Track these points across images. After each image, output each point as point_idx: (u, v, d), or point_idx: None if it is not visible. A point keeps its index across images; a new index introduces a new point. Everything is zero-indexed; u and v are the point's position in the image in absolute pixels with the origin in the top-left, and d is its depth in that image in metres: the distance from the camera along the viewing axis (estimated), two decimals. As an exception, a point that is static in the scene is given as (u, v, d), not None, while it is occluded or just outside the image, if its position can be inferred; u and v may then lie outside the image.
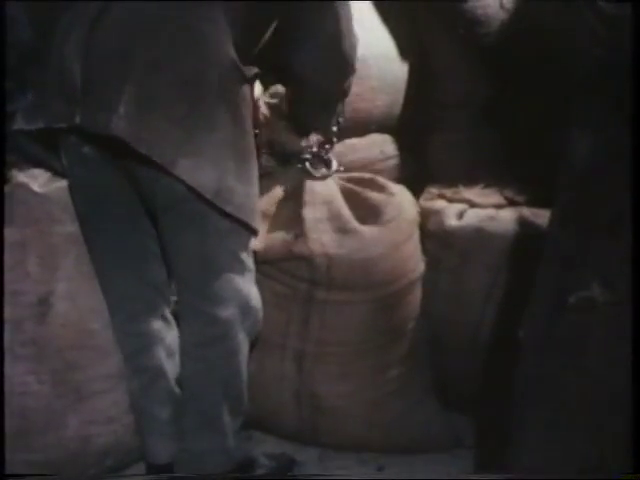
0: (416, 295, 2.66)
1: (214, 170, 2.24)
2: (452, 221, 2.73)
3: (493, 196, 2.77)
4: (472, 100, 2.82)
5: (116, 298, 2.43)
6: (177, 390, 2.45)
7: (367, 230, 2.58)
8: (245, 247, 2.39)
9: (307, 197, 2.59)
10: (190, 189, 2.22)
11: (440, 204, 2.77)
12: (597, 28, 2.18)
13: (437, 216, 2.74)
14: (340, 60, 2.36)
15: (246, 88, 2.29)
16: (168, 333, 2.46)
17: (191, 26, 2.21)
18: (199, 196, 2.23)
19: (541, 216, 2.61)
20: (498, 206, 2.75)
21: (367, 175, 2.69)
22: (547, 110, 2.64)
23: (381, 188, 2.65)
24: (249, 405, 2.48)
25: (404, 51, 2.83)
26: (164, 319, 2.45)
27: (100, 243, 2.40)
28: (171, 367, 2.45)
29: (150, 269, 2.42)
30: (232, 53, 2.22)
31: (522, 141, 2.75)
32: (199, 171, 2.22)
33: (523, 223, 2.68)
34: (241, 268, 2.38)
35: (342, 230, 2.56)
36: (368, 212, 2.61)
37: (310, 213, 2.57)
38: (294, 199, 2.61)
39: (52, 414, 2.41)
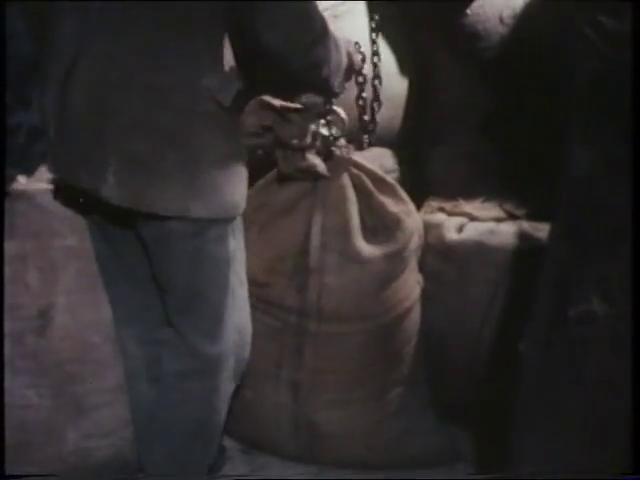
0: (412, 319, 2.68)
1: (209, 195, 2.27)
2: (452, 234, 2.76)
3: (493, 210, 2.80)
4: (472, 114, 2.83)
5: (130, 309, 2.45)
6: None
7: (370, 255, 2.58)
8: (241, 276, 2.41)
9: (319, 199, 2.58)
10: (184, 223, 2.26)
11: (440, 217, 2.80)
12: (597, 44, 2.21)
13: (437, 229, 2.76)
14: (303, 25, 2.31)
15: (226, 114, 2.28)
16: None
17: (157, 82, 2.20)
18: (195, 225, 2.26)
19: (541, 230, 2.63)
20: (498, 220, 2.78)
21: (388, 179, 2.68)
22: (546, 124, 2.65)
23: (399, 200, 2.66)
24: (248, 430, 2.50)
25: (404, 66, 2.87)
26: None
27: (109, 259, 2.44)
28: None
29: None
30: (206, 83, 2.22)
31: (522, 155, 2.77)
32: (193, 202, 2.25)
33: (523, 237, 2.71)
34: (235, 303, 2.38)
35: (345, 253, 2.56)
36: (379, 223, 2.62)
37: (317, 229, 2.57)
38: (305, 201, 2.60)
39: (52, 427, 2.43)
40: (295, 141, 2.52)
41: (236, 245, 2.36)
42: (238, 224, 2.37)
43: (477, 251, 2.72)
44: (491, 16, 2.78)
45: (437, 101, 2.62)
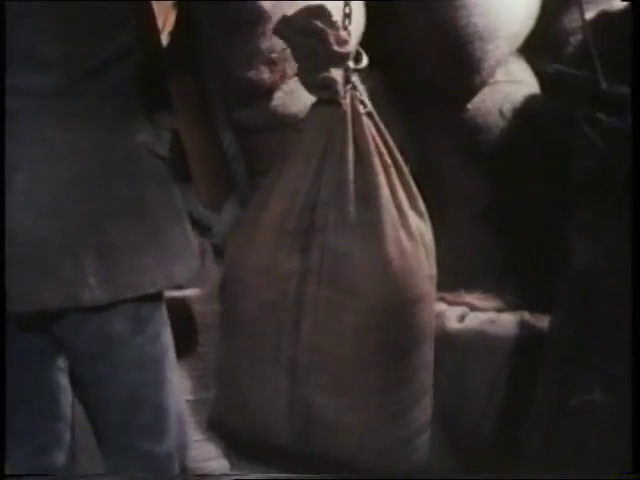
0: (419, 318, 2.52)
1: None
2: (453, 324, 2.82)
3: (494, 300, 2.86)
4: (472, 204, 2.91)
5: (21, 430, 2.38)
6: None
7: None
8: (173, 359, 2.41)
9: (333, 147, 2.39)
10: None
11: (441, 307, 2.85)
12: (596, 140, 2.29)
13: (438, 318, 2.79)
14: None
15: (166, 167, 2.32)
16: None
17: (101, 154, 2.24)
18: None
19: (542, 320, 2.70)
20: (499, 310, 2.84)
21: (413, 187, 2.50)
22: (547, 216, 2.76)
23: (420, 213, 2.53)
24: (246, 421, 2.51)
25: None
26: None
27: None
28: None
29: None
30: (141, 138, 2.28)
31: (522, 246, 2.84)
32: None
33: (524, 327, 2.76)
34: (172, 391, 2.39)
35: (353, 214, 2.39)
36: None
37: (327, 180, 2.39)
38: (318, 149, 2.43)
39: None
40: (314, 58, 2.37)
41: (168, 331, 2.39)
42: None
43: (478, 340, 2.77)
44: (492, 110, 2.86)
45: (437, 191, 2.67)
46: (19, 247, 2.19)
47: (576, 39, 2.85)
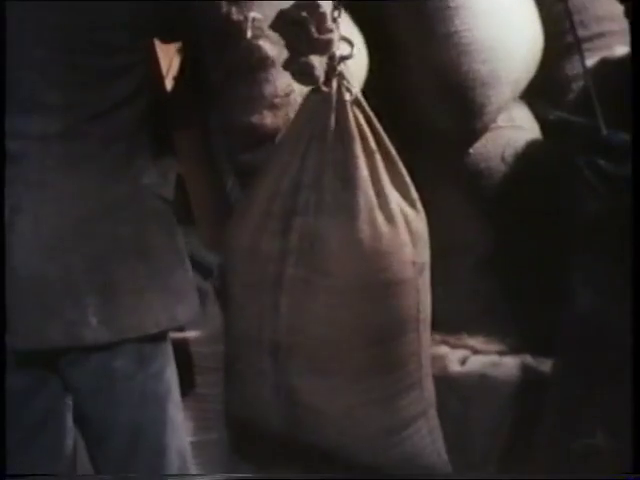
0: (401, 304, 2.50)
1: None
2: (455, 367, 2.83)
3: (496, 343, 2.87)
4: (474, 248, 2.91)
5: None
6: None
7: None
8: (177, 399, 2.43)
9: (320, 131, 2.43)
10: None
11: (443, 350, 2.86)
12: (597, 186, 2.30)
13: (440, 361, 2.82)
14: None
15: (170, 210, 2.37)
16: None
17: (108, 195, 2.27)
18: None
19: (544, 363, 2.71)
20: (501, 353, 2.84)
21: (402, 168, 2.51)
22: (547, 261, 2.76)
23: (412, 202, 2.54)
24: (241, 408, 2.52)
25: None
26: None
27: None
28: None
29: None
30: (146, 181, 2.31)
31: (524, 289, 2.84)
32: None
33: (526, 370, 2.77)
34: (174, 427, 2.40)
35: (335, 197, 2.42)
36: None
37: (311, 164, 2.42)
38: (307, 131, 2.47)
39: None
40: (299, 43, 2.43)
41: (172, 370, 2.41)
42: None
43: (481, 383, 2.78)
44: (493, 155, 2.87)
45: (437, 236, 2.68)
46: (22, 286, 2.22)
47: (577, 85, 2.85)
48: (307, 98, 2.47)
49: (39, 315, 2.23)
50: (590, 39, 2.88)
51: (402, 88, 2.85)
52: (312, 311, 2.44)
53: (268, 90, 2.66)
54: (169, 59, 2.74)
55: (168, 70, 2.73)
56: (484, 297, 2.92)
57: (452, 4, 2.70)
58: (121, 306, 2.25)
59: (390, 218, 2.40)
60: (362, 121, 2.41)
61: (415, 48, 2.80)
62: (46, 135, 2.23)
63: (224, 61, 2.64)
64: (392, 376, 2.51)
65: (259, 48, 2.63)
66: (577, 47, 2.65)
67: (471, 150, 2.88)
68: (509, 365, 2.80)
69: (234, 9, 2.63)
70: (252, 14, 2.63)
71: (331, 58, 2.37)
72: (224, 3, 2.59)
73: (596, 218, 2.42)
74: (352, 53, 2.39)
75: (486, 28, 2.73)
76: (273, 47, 2.61)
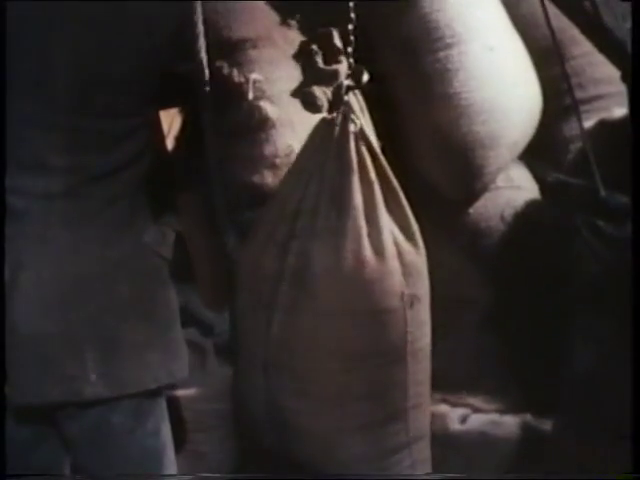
0: (386, 333, 2.51)
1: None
2: (456, 425, 2.83)
3: (496, 401, 2.87)
4: (474, 307, 2.93)
5: None
6: None
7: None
8: (170, 454, 2.42)
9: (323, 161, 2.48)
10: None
11: (444, 408, 2.86)
12: (596, 247, 2.32)
13: (441, 419, 2.82)
14: None
15: (167, 268, 2.38)
16: None
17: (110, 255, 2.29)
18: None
19: (545, 422, 2.70)
20: (501, 411, 2.84)
21: (402, 199, 2.54)
22: (548, 320, 2.76)
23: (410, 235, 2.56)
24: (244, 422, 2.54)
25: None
26: None
27: None
28: None
29: None
30: (147, 239, 2.33)
31: (524, 348, 2.84)
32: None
33: (527, 428, 2.76)
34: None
35: (331, 224, 2.47)
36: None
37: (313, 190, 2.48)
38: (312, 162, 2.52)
39: None
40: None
41: (167, 426, 2.41)
42: None
43: (481, 442, 2.78)
44: (493, 215, 2.90)
45: (438, 295, 2.69)
46: (22, 341, 2.22)
47: (576, 147, 2.89)
48: (316, 128, 2.52)
49: (38, 370, 2.24)
50: (588, 101, 2.93)
51: (401, 148, 2.86)
52: (298, 331, 2.48)
53: (269, 150, 2.70)
54: (170, 119, 2.77)
55: (169, 130, 2.77)
56: (484, 355, 2.93)
57: (451, 66, 2.74)
58: (120, 362, 2.27)
59: (379, 248, 2.44)
60: (364, 152, 2.45)
61: (414, 108, 2.84)
62: (48, 194, 2.25)
63: (226, 121, 2.68)
64: (372, 404, 2.52)
65: (260, 109, 2.68)
66: (575, 109, 2.68)
67: (471, 210, 2.91)
68: (509, 424, 2.80)
69: (235, 71, 2.68)
70: (253, 76, 2.67)
71: (338, 88, 2.42)
72: (226, 65, 2.64)
73: (596, 278, 2.43)
74: (361, 83, 2.44)
75: (485, 90, 2.78)
76: (274, 108, 2.66)
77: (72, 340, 2.25)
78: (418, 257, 2.51)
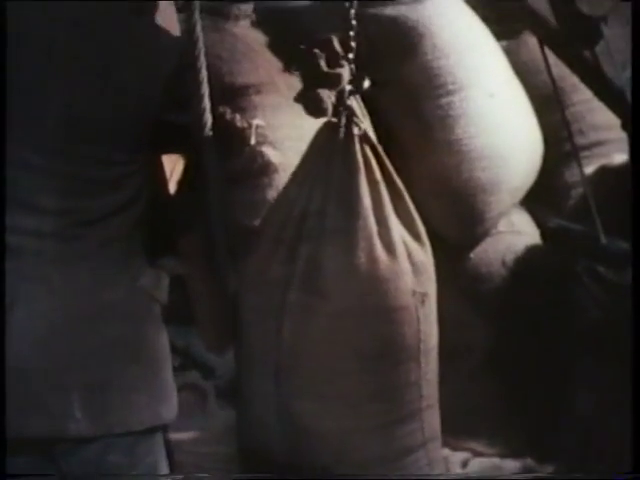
0: (398, 331, 2.50)
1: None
2: (457, 469, 2.82)
3: (497, 445, 2.86)
4: (475, 351, 2.93)
5: None
6: None
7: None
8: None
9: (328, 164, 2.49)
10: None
11: (444, 452, 2.85)
12: (596, 293, 2.32)
13: (442, 463, 2.79)
14: None
15: (160, 311, 2.39)
16: None
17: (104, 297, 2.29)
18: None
19: (546, 466, 2.70)
20: (503, 455, 2.84)
21: (406, 197, 2.56)
22: (549, 364, 2.77)
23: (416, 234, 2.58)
24: (249, 437, 2.51)
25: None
26: None
27: None
28: None
29: None
30: (142, 282, 2.33)
31: (525, 392, 2.85)
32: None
33: (528, 473, 2.74)
34: None
35: (339, 225, 2.48)
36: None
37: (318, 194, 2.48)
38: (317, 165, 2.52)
39: None
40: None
41: (164, 466, 2.41)
42: None
43: (483, 485, 2.78)
44: (494, 260, 2.91)
45: (438, 339, 2.70)
46: (12, 376, 2.21)
47: (577, 192, 2.91)
48: (319, 132, 2.52)
49: (25, 406, 2.23)
50: (589, 147, 2.96)
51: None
52: (311, 335, 2.47)
53: (271, 195, 2.70)
54: (173, 163, 2.79)
55: (172, 173, 2.78)
56: (485, 398, 2.92)
57: (453, 112, 2.77)
58: (107, 403, 2.26)
59: (390, 246, 2.44)
60: (369, 153, 2.46)
61: (416, 154, 2.85)
62: (40, 233, 2.25)
63: (228, 166, 2.69)
64: (388, 404, 2.50)
65: (262, 154, 2.70)
66: (575, 155, 2.69)
67: (472, 254, 2.93)
68: (510, 468, 2.79)
69: (238, 116, 2.70)
70: (256, 121, 2.70)
71: (340, 92, 2.44)
72: (229, 110, 2.66)
73: (596, 324, 2.44)
74: (362, 88, 2.47)
75: (486, 136, 2.80)
76: (276, 153, 2.68)
77: (60, 378, 2.25)
78: (425, 256, 2.53)
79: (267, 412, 2.55)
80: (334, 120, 2.47)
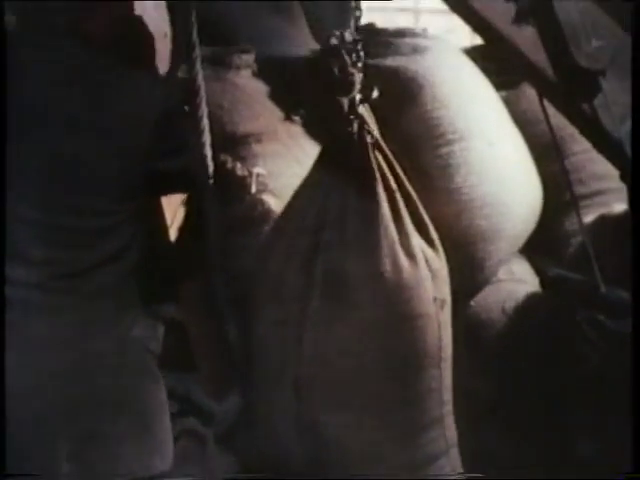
0: (420, 340, 2.53)
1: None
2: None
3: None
4: (474, 398, 2.87)
5: None
6: None
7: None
8: None
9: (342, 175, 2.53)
10: None
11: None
12: (596, 341, 2.33)
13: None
14: None
15: (154, 362, 2.39)
16: None
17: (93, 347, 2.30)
18: None
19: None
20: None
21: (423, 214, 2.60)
22: (549, 410, 2.77)
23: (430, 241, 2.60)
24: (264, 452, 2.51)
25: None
26: None
27: None
28: None
29: None
30: (136, 333, 2.34)
31: (525, 439, 2.84)
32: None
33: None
34: None
35: (358, 233, 2.51)
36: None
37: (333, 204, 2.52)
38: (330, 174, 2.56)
39: None
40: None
41: None
42: None
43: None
44: (494, 307, 2.93)
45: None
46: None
47: (577, 241, 2.93)
48: (330, 140, 2.58)
49: (12, 460, 2.22)
50: (589, 196, 2.99)
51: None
52: (335, 344, 2.48)
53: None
54: (174, 209, 2.81)
55: (173, 220, 2.80)
56: (485, 446, 2.89)
57: (453, 162, 2.78)
58: (95, 454, 2.27)
59: (410, 254, 2.47)
60: (382, 162, 2.50)
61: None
62: (27, 284, 2.26)
63: (229, 214, 2.71)
64: (411, 412, 2.52)
65: (263, 202, 2.71)
66: (574, 205, 2.71)
67: (472, 302, 2.94)
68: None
69: (239, 165, 2.72)
70: (256, 169, 2.72)
71: (352, 101, 2.49)
72: (229, 159, 2.69)
73: (596, 372, 2.45)
74: (370, 98, 2.51)
75: (486, 185, 2.81)
76: (277, 201, 2.69)
77: (48, 429, 2.25)
78: (440, 262, 2.56)
79: (284, 425, 2.55)
80: (348, 129, 2.50)
